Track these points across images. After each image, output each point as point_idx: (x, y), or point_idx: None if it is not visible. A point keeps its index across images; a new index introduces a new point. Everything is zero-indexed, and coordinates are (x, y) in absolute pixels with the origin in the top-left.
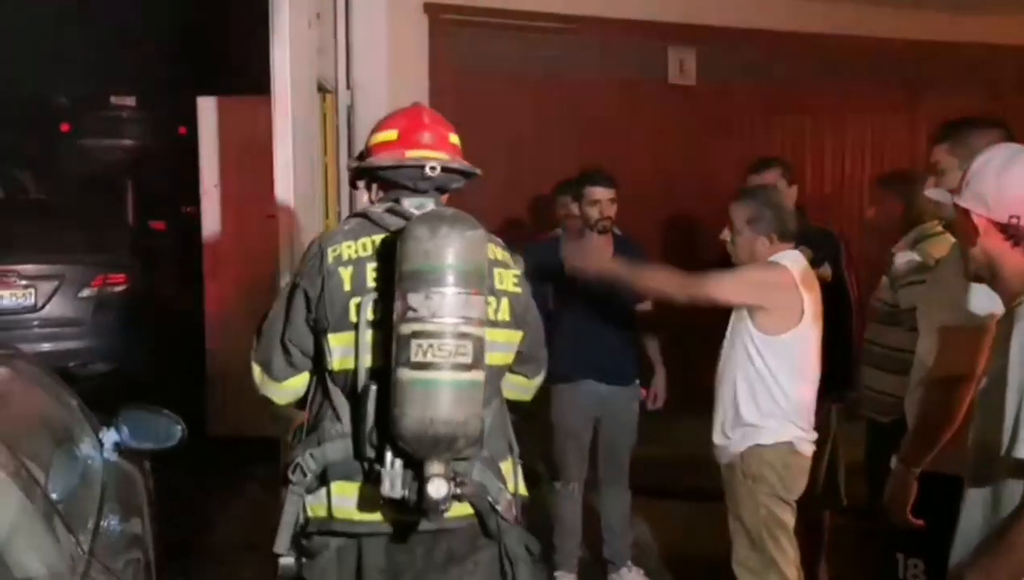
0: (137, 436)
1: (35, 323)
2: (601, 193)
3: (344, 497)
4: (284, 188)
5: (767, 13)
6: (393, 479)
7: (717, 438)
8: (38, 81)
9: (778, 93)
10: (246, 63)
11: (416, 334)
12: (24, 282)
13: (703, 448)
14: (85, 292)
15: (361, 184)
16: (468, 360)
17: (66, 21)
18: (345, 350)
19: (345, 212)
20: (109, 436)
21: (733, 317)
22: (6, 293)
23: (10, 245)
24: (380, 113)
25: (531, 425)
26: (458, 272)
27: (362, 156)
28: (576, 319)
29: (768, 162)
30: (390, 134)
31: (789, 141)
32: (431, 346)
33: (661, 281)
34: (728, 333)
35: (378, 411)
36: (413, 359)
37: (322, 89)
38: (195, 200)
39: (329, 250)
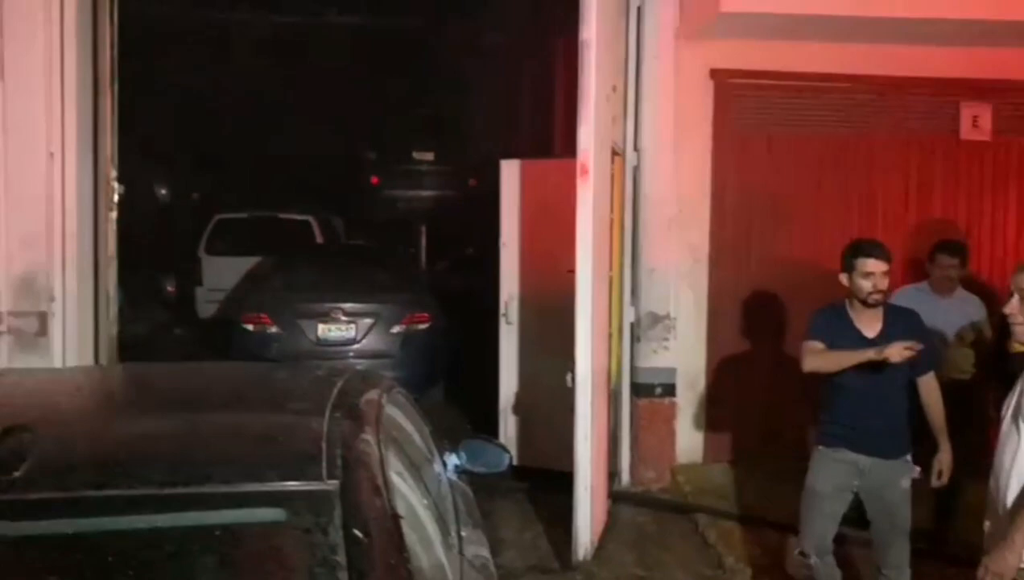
0: (473, 460)
1: (351, 354)
2: (874, 265)
3: None
4: (584, 244)
5: None
6: None
7: None
8: (353, 139)
9: None
10: (532, 128)
11: None
12: (346, 318)
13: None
14: (395, 328)
15: None
16: None
17: (374, 88)
18: None
19: (629, 268)
20: (452, 459)
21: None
22: (332, 327)
23: (333, 285)
24: (665, 172)
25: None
26: None
27: None
28: (847, 383)
29: None
30: None
31: None
32: None
33: None
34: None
35: None
36: None
37: (612, 152)
38: (476, 243)
39: None
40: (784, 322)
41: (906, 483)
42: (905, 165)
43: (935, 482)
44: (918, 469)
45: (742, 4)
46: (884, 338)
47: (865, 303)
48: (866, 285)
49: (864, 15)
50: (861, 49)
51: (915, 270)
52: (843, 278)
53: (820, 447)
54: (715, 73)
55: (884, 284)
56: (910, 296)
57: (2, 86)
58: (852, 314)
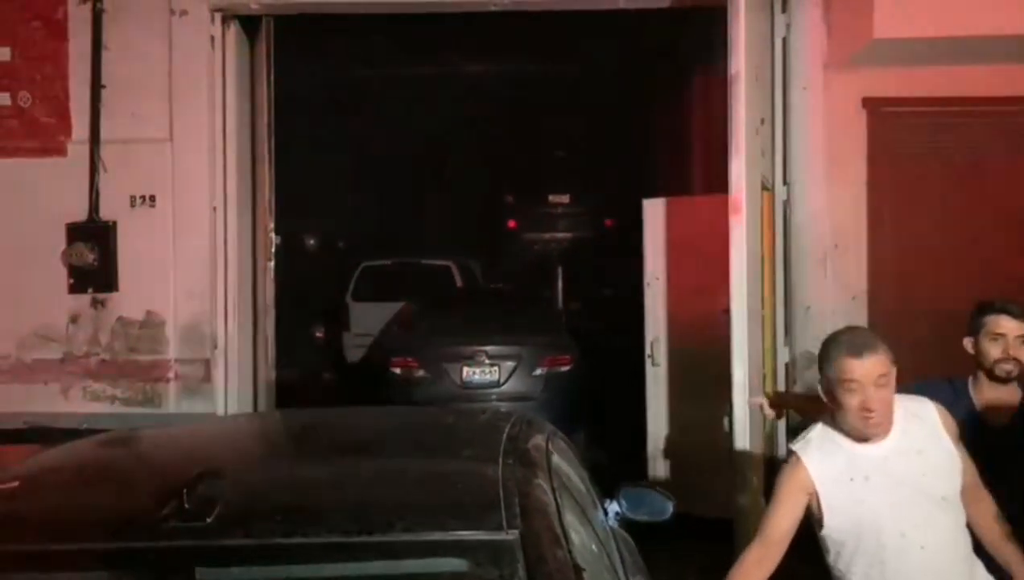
0: (634, 508)
1: (494, 397)
2: (1008, 325)
3: None
4: (738, 283)
5: None
6: None
7: None
8: (490, 184)
9: None
10: (668, 166)
11: None
12: (489, 361)
13: None
14: (537, 371)
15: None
16: None
17: (511, 133)
18: None
19: (781, 307)
20: (612, 507)
21: None
22: (476, 370)
23: (476, 329)
24: (817, 206)
25: None
26: None
27: None
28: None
29: None
30: None
31: None
32: None
33: None
34: None
35: None
36: None
37: (761, 186)
38: (612, 284)
39: None
40: (956, 364)
41: None
42: None
43: None
44: None
45: (898, 29)
46: (1018, 431)
47: (991, 375)
48: (994, 350)
49: None
50: None
51: None
52: (967, 343)
53: None
54: (868, 102)
55: (1020, 352)
56: None
57: (171, 146)
58: (975, 393)
